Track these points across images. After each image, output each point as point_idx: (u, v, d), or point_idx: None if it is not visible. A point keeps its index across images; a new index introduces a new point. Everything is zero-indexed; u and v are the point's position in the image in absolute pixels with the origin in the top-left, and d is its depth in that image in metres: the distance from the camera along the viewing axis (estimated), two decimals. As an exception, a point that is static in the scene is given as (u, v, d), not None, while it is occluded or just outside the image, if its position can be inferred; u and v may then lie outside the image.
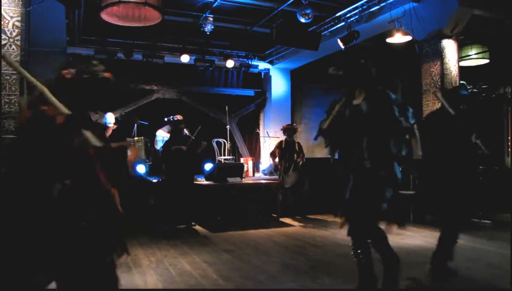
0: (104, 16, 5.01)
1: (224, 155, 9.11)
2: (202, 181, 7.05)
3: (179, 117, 8.33)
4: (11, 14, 4.00)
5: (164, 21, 5.63)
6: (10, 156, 1.81)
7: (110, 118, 7.59)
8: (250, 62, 9.76)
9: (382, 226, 3.04)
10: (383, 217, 2.99)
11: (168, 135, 8.22)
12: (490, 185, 7.16)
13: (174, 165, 6.17)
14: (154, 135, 8.41)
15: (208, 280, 3.63)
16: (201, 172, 7.23)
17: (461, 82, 6.90)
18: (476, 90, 8.00)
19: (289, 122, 8.94)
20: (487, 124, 7.98)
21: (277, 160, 7.71)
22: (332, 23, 7.55)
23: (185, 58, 8.75)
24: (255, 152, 10.33)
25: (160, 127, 8.39)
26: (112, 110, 7.98)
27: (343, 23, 7.24)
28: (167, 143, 6.46)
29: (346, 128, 3.06)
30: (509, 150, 8.25)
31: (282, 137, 7.78)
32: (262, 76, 10.51)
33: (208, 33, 7.60)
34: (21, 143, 1.79)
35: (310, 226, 6.56)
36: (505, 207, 6.88)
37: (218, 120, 9.69)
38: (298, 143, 7.74)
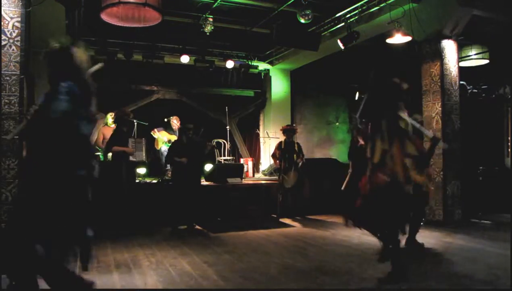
0: (104, 16, 5.01)
1: (224, 156, 9.12)
2: (202, 181, 7.06)
3: (175, 118, 8.35)
4: (11, 15, 4.00)
5: (164, 21, 5.64)
6: None
7: (111, 119, 7.59)
8: (250, 62, 9.77)
9: None
10: None
11: (161, 135, 8.25)
12: (490, 185, 7.18)
13: (180, 167, 6.17)
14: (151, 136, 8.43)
15: (208, 281, 3.63)
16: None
17: (461, 82, 6.92)
18: (476, 90, 8.01)
19: (289, 123, 8.94)
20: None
21: (277, 160, 7.72)
22: (332, 23, 7.55)
23: (185, 59, 8.75)
24: (255, 153, 10.33)
25: (155, 127, 8.41)
26: (113, 111, 7.98)
27: (342, 24, 7.25)
28: (171, 149, 6.46)
29: None
30: (509, 150, 8.26)
31: (282, 138, 7.78)
32: (262, 77, 10.51)
33: (208, 33, 7.60)
34: None
35: (310, 227, 6.56)
36: (505, 207, 6.90)
37: (218, 121, 9.69)
38: (298, 144, 7.74)
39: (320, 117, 10.84)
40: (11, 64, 3.98)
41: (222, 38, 8.75)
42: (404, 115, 3.43)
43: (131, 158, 6.33)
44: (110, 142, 6.24)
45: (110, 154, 6.40)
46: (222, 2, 6.96)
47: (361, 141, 7.59)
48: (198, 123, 6.91)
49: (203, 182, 6.98)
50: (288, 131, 7.69)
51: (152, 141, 8.48)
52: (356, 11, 6.89)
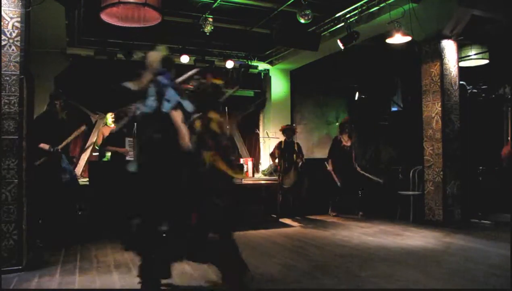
0: (104, 16, 5.00)
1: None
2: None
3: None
4: (11, 15, 4.00)
5: (164, 21, 5.63)
6: None
7: (111, 119, 7.59)
8: (250, 62, 9.76)
9: None
10: None
11: None
12: (490, 185, 7.18)
13: None
14: None
15: (208, 281, 3.63)
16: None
17: (461, 82, 6.92)
18: (476, 90, 8.00)
19: (289, 123, 8.94)
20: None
21: (276, 160, 7.73)
22: (332, 23, 7.54)
23: (185, 59, 8.75)
24: (254, 153, 10.33)
25: None
26: (113, 110, 7.99)
27: (342, 24, 7.24)
28: None
29: None
30: (509, 150, 8.24)
31: (282, 138, 7.80)
32: (262, 77, 10.51)
33: (208, 33, 7.59)
34: None
35: (309, 227, 6.56)
36: (505, 207, 6.90)
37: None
38: (297, 143, 7.75)
39: (320, 117, 10.84)
40: (11, 64, 3.98)
41: (222, 38, 8.73)
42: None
43: (127, 158, 6.33)
44: (105, 142, 6.26)
45: (109, 154, 6.41)
46: (222, 2, 6.96)
47: (344, 142, 7.69)
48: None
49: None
50: (288, 131, 7.70)
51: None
52: (356, 11, 6.88)
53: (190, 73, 3.30)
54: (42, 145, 5.08)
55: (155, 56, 3.33)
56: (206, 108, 3.46)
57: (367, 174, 7.61)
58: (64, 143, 5.21)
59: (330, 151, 7.89)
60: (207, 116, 3.42)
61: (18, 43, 4.02)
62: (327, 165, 7.70)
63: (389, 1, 6.32)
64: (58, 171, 5.22)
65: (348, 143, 7.70)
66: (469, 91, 7.58)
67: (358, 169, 7.67)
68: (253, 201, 7.14)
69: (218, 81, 3.62)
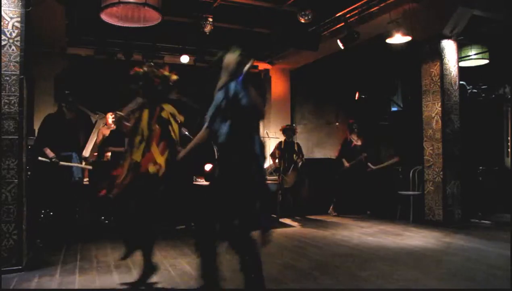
0: (104, 16, 5.01)
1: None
2: (201, 181, 7.04)
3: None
4: (11, 15, 4.00)
5: (164, 21, 5.63)
6: None
7: (111, 119, 7.58)
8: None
9: None
10: None
11: None
12: (490, 185, 7.19)
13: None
14: None
15: (208, 281, 3.62)
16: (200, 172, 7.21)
17: (461, 82, 6.92)
18: (476, 90, 8.01)
19: (289, 123, 8.95)
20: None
21: (277, 160, 7.74)
22: (332, 23, 7.54)
23: (185, 59, 8.74)
24: (255, 153, 10.32)
25: None
26: (113, 110, 7.98)
27: (342, 24, 7.24)
28: None
29: None
30: (509, 150, 8.26)
31: (282, 138, 7.80)
32: (262, 77, 10.50)
33: (208, 33, 7.59)
34: None
35: (309, 227, 6.56)
36: (505, 207, 6.90)
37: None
38: (298, 144, 7.76)
39: (320, 117, 10.83)
40: (11, 64, 3.98)
41: (222, 38, 8.73)
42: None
43: None
44: (104, 143, 6.26)
45: (109, 154, 6.40)
46: (222, 2, 6.96)
47: (355, 141, 7.71)
48: (196, 123, 6.90)
49: (203, 182, 6.96)
50: (288, 131, 7.72)
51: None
52: (356, 11, 6.88)
53: (249, 65, 3.26)
54: (48, 151, 5.11)
55: (231, 58, 3.18)
56: (154, 99, 3.74)
57: (381, 165, 7.69)
58: (65, 163, 5.27)
59: (340, 151, 7.91)
60: (159, 106, 3.66)
61: (18, 43, 4.02)
62: (343, 164, 7.69)
63: (389, 1, 6.32)
64: (70, 170, 5.29)
65: (359, 143, 7.74)
66: (469, 91, 7.58)
67: (372, 166, 7.72)
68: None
69: (171, 75, 3.70)
